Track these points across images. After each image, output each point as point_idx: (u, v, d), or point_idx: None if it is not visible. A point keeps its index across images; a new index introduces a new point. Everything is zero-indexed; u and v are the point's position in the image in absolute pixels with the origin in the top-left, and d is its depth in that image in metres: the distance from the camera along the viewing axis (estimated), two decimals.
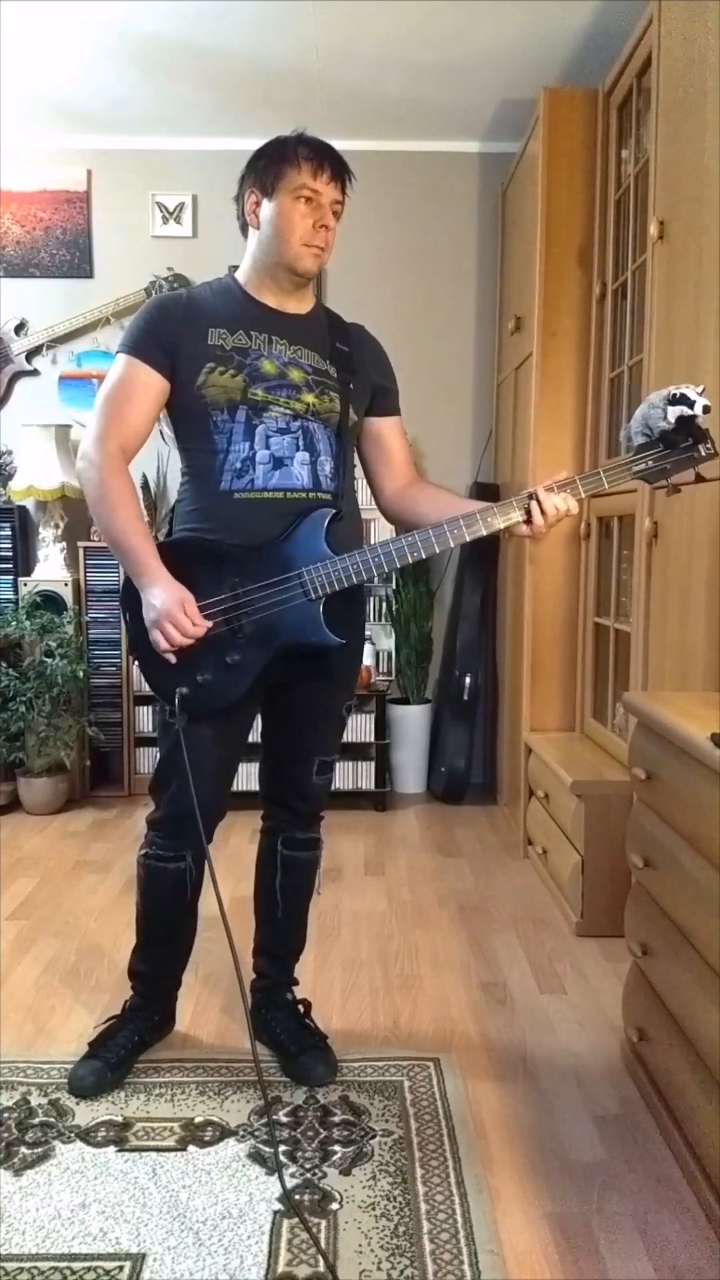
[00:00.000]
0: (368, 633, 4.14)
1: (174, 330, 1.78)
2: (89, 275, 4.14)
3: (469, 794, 4.03)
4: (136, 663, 1.85)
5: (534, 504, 1.70)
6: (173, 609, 1.69)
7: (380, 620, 4.20)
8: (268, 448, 1.79)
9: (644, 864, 1.85)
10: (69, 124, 3.93)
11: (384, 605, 4.18)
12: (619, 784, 2.67)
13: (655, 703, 1.83)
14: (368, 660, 4.07)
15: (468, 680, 3.99)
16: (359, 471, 2.00)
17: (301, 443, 1.80)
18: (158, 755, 1.93)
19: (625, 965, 2.03)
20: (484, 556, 4.04)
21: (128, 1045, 1.96)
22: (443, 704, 4.11)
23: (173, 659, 1.73)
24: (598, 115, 3.14)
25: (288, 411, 1.79)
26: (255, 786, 2.08)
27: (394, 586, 4.13)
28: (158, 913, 1.97)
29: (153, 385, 1.79)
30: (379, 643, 4.20)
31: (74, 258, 4.14)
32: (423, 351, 4.17)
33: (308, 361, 1.83)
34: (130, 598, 1.79)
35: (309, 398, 1.81)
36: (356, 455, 1.98)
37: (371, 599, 4.20)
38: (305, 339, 1.84)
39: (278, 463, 1.79)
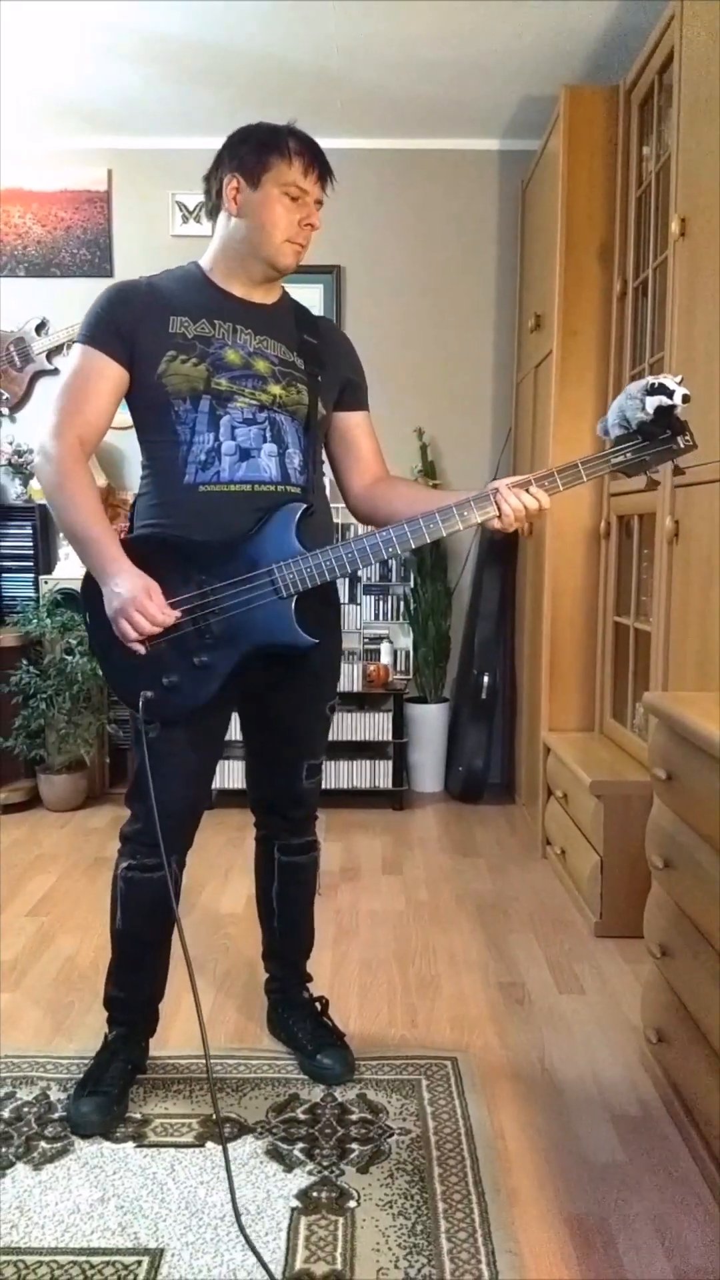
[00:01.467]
0: (384, 630, 4.15)
1: (133, 318, 1.71)
2: (109, 274, 4.15)
3: (487, 793, 4.02)
4: (100, 666, 1.76)
5: (498, 500, 1.66)
6: (139, 596, 1.61)
7: (398, 618, 4.20)
8: (234, 439, 1.72)
9: (664, 865, 1.84)
10: (89, 124, 3.95)
11: (402, 604, 4.18)
12: (638, 784, 2.65)
13: (676, 703, 1.82)
14: (385, 659, 4.07)
15: (486, 679, 3.98)
16: (327, 468, 1.95)
17: (269, 434, 1.74)
18: (135, 764, 1.84)
19: (644, 966, 2.03)
20: (503, 555, 4.03)
21: (123, 1076, 1.87)
22: (461, 703, 4.10)
23: (141, 649, 1.66)
24: (619, 112, 3.12)
25: (253, 402, 1.73)
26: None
27: (412, 585, 4.13)
28: (140, 929, 1.88)
29: (110, 375, 1.71)
30: (397, 641, 4.20)
31: (95, 257, 4.16)
32: (442, 349, 4.17)
33: (274, 352, 1.77)
34: (90, 595, 1.70)
35: (275, 389, 1.75)
36: (325, 453, 1.93)
37: (389, 597, 4.19)
38: (271, 329, 1.78)
39: (245, 454, 1.72)
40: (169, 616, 1.64)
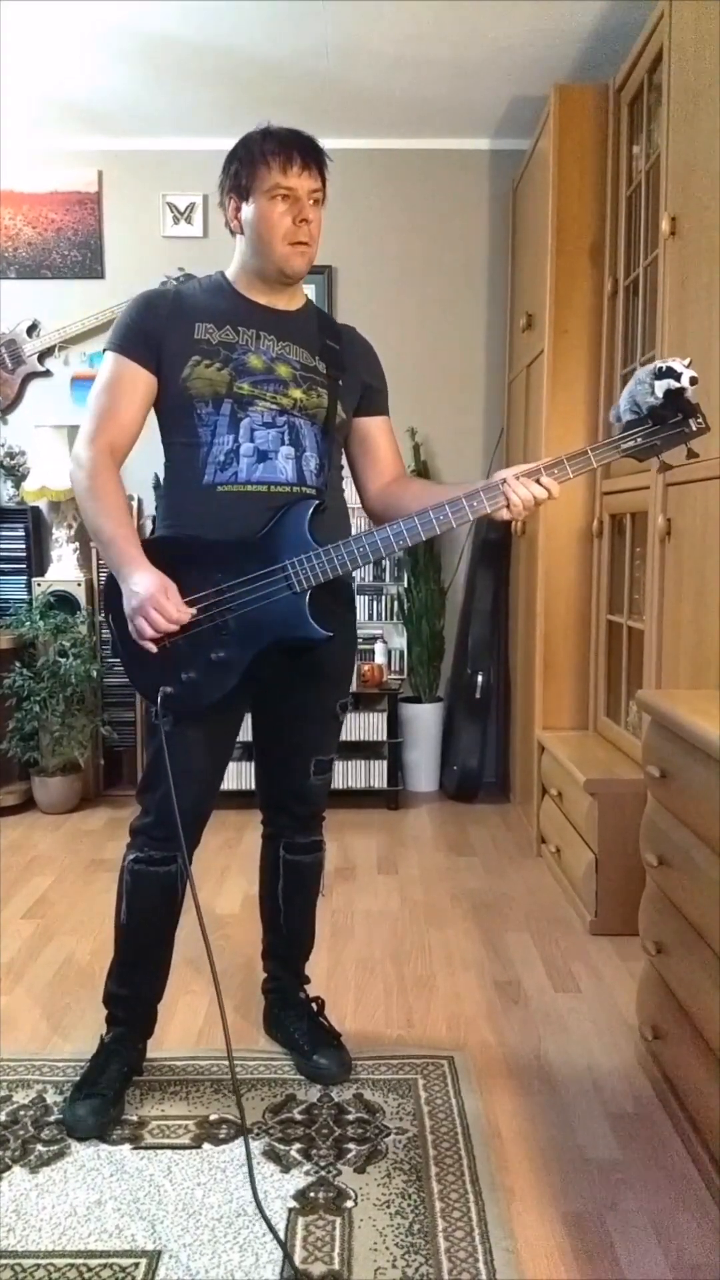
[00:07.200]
0: (379, 630, 4.15)
1: (159, 325, 1.76)
2: (100, 276, 4.16)
3: (481, 792, 4.02)
4: (122, 664, 1.81)
5: (506, 490, 1.67)
6: (155, 595, 1.65)
7: (392, 618, 4.20)
8: (252, 441, 1.77)
9: (658, 862, 1.84)
10: (80, 125, 3.94)
11: (396, 604, 4.18)
12: (633, 782, 2.66)
13: (669, 700, 1.83)
14: (379, 658, 4.07)
15: (480, 678, 3.98)
16: (346, 471, 1.98)
17: (287, 437, 1.78)
18: (146, 759, 1.88)
19: (640, 964, 2.03)
20: (496, 554, 4.04)
21: (119, 1078, 1.87)
22: (455, 702, 4.10)
23: (153, 648, 1.69)
24: (609, 111, 3.13)
25: (274, 406, 1.77)
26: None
27: (405, 585, 4.13)
28: (145, 923, 1.89)
29: (140, 382, 1.77)
30: (391, 641, 4.20)
31: (85, 258, 4.16)
32: (434, 349, 4.17)
33: (296, 358, 1.81)
34: (112, 597, 1.75)
35: (296, 393, 1.79)
36: (344, 455, 1.96)
37: (383, 598, 4.20)
38: (294, 335, 1.82)
39: (262, 456, 1.77)
40: (184, 614, 1.68)
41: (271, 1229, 1.53)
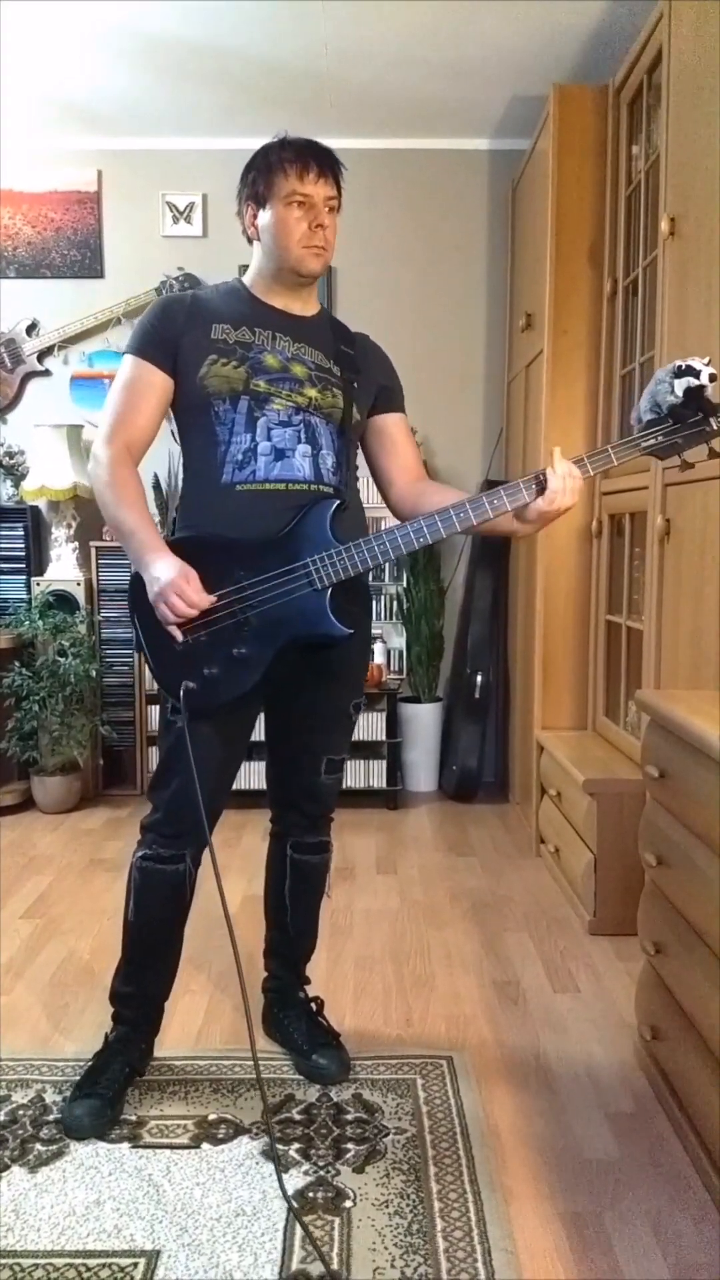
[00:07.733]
0: (378, 630, 4.15)
1: (177, 328, 1.80)
2: (100, 275, 4.16)
3: (481, 792, 4.02)
4: (146, 660, 1.83)
5: (548, 471, 1.67)
6: (176, 580, 1.67)
7: (391, 618, 4.20)
8: (269, 439, 1.79)
9: (657, 862, 1.84)
10: (79, 125, 3.94)
11: (395, 603, 4.18)
12: (632, 782, 2.66)
13: (668, 700, 1.83)
14: (379, 658, 4.07)
15: (479, 678, 3.99)
16: (362, 471, 1.99)
17: (303, 436, 1.80)
18: (158, 756, 1.90)
19: (638, 963, 2.03)
20: (495, 554, 4.04)
21: (119, 1078, 1.87)
22: (454, 702, 4.10)
23: (179, 634, 1.71)
24: (608, 111, 3.13)
25: (290, 404, 1.80)
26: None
27: (405, 585, 4.13)
28: (152, 920, 1.90)
29: (156, 384, 1.81)
30: (390, 641, 4.20)
31: (85, 258, 4.16)
32: (433, 349, 4.17)
33: (311, 358, 1.84)
34: (138, 595, 1.78)
35: (312, 392, 1.81)
36: (361, 455, 1.98)
37: (382, 597, 4.20)
38: (309, 337, 1.85)
39: (279, 454, 1.79)
40: (205, 599, 1.70)
41: (302, 1223, 1.53)
